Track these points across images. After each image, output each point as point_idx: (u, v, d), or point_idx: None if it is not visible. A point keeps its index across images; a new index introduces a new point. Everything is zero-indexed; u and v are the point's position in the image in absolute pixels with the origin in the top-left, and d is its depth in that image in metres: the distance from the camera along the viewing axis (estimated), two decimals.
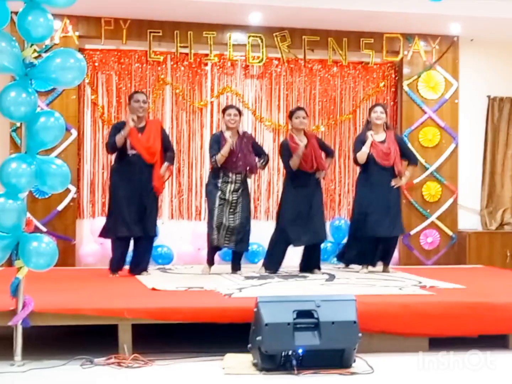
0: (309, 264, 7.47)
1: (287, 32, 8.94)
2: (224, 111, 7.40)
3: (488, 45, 9.45)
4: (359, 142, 7.52)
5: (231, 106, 7.54)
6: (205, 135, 8.99)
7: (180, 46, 8.79)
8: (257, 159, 7.45)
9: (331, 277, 6.97)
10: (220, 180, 7.21)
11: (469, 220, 9.50)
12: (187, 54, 8.85)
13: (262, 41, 8.91)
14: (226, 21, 8.78)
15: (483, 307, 5.28)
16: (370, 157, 7.36)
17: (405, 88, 9.26)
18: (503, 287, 6.55)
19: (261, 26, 8.88)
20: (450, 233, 9.28)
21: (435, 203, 9.29)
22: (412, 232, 9.18)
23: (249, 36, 8.91)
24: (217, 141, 7.27)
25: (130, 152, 6.96)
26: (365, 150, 7.34)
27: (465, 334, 5.12)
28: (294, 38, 8.98)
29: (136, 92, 7.40)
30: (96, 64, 8.80)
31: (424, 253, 9.24)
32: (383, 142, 7.42)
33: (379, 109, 7.47)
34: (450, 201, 9.31)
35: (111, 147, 7.09)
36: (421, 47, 9.29)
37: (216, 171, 7.25)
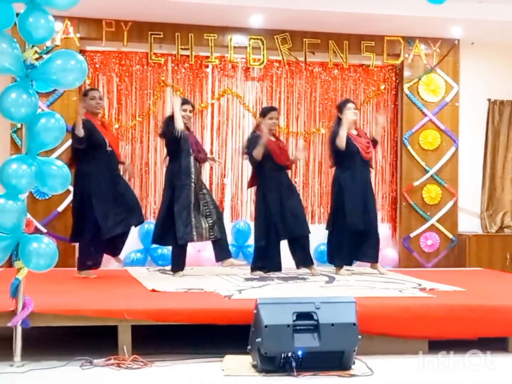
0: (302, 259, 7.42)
1: (288, 34, 8.95)
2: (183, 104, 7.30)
3: (488, 49, 9.47)
4: (334, 133, 7.43)
5: (187, 101, 7.44)
6: (206, 136, 9.01)
7: (181, 48, 8.80)
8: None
9: (331, 279, 6.98)
10: (192, 171, 7.13)
11: (469, 223, 9.51)
12: (188, 56, 8.86)
13: (263, 44, 8.92)
14: (227, 23, 8.79)
15: (483, 310, 5.29)
16: (356, 151, 7.34)
17: (406, 91, 9.27)
18: (503, 289, 6.54)
19: (262, 29, 8.89)
20: (450, 235, 9.29)
21: (435, 206, 9.30)
22: (412, 235, 9.19)
23: (250, 38, 8.93)
24: None
25: (109, 149, 6.97)
26: (342, 133, 7.25)
27: (465, 337, 5.11)
28: (295, 40, 9.00)
29: (91, 89, 7.40)
30: (97, 65, 8.81)
31: (424, 255, 9.24)
32: (359, 136, 7.48)
33: (352, 105, 7.46)
34: (450, 203, 9.31)
35: (78, 142, 6.86)
36: (421, 50, 9.30)
37: (187, 165, 7.15)
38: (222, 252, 7.25)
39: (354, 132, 7.49)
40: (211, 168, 8.95)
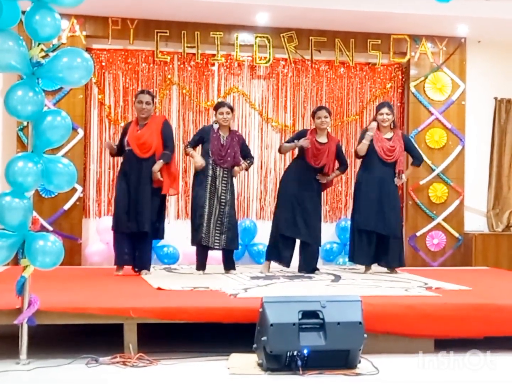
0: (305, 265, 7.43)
1: (294, 32, 8.94)
2: (216, 109, 7.31)
3: (495, 47, 9.44)
4: (363, 134, 7.62)
5: (223, 104, 7.35)
6: None
7: (187, 46, 8.79)
8: (242, 160, 7.38)
9: (337, 277, 6.97)
10: (209, 174, 7.16)
11: (475, 221, 9.49)
12: (194, 54, 8.86)
13: (269, 42, 8.92)
14: (233, 22, 8.79)
15: (489, 309, 5.28)
16: (373, 152, 7.41)
17: (412, 89, 9.26)
18: (509, 288, 6.53)
19: (268, 27, 8.89)
20: (456, 234, 9.27)
21: (441, 205, 9.28)
22: (418, 234, 9.17)
23: (256, 37, 8.92)
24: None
25: (127, 148, 6.99)
26: (364, 142, 7.42)
27: (471, 336, 5.11)
28: (301, 38, 8.99)
29: (141, 91, 7.20)
30: (103, 63, 8.82)
31: (430, 254, 9.23)
32: (389, 139, 7.46)
33: (385, 110, 7.45)
34: (457, 202, 9.30)
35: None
36: (428, 48, 9.28)
37: (205, 166, 7.17)
38: (227, 263, 7.39)
39: (389, 136, 7.48)
40: None
